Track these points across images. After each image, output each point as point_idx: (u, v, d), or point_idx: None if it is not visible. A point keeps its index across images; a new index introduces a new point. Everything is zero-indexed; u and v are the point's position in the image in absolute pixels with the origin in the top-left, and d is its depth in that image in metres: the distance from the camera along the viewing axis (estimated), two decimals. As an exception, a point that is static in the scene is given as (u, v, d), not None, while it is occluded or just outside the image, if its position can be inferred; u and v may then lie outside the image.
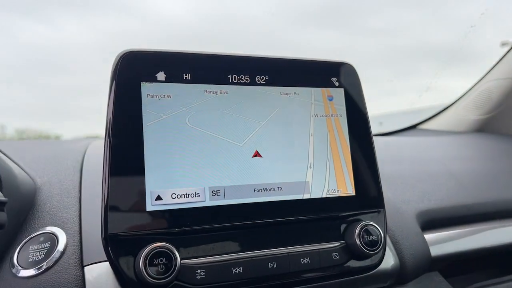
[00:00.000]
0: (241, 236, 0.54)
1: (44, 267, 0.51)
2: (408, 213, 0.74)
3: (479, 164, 1.00)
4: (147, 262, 0.47)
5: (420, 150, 1.07)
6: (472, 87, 1.49)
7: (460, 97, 1.54)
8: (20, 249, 0.53)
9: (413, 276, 0.66)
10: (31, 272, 0.51)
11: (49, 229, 0.55)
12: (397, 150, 1.06)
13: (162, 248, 0.48)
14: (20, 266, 0.51)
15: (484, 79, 1.43)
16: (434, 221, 0.77)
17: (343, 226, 0.59)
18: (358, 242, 0.56)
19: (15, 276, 0.50)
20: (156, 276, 0.46)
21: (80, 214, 0.58)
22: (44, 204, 0.59)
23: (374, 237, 0.57)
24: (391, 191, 0.80)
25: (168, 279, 0.47)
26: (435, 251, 0.72)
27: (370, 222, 0.58)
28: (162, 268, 0.47)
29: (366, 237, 0.57)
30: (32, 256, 0.52)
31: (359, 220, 0.58)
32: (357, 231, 0.57)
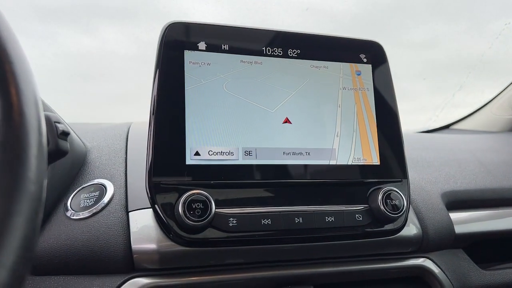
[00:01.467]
0: (270, 192, 0.58)
1: (94, 211, 0.57)
2: (433, 192, 0.76)
3: (510, 156, 1.00)
4: (185, 206, 0.52)
5: (450, 143, 1.08)
6: (507, 86, 1.48)
7: (495, 97, 1.52)
8: (73, 196, 0.59)
9: (436, 247, 0.68)
10: (82, 214, 0.57)
11: (98, 181, 0.62)
12: (428, 142, 1.08)
13: (199, 195, 0.53)
14: (73, 210, 0.57)
15: (519, 78, 1.42)
16: (459, 202, 0.78)
17: (367, 192, 0.62)
18: (381, 205, 0.59)
19: (69, 218, 0.57)
20: (193, 219, 0.51)
21: (126, 170, 0.64)
22: (94, 162, 0.66)
23: (397, 202, 0.60)
24: (417, 173, 0.82)
25: (204, 221, 0.52)
26: (459, 229, 0.73)
27: (393, 188, 0.61)
28: (199, 212, 0.52)
29: (389, 201, 0.60)
30: (84, 203, 0.58)
31: (383, 187, 0.61)
32: (380, 196, 0.60)
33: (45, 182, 0.31)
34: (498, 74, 1.55)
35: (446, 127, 1.65)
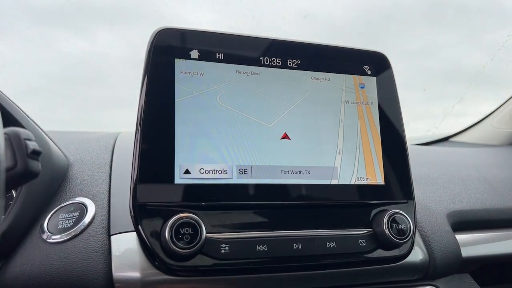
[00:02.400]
0: (267, 215, 0.53)
1: (73, 234, 0.52)
2: (438, 212, 0.72)
3: None
4: (173, 231, 0.47)
5: (452, 157, 1.04)
6: (508, 99, 1.45)
7: (495, 110, 1.49)
8: (51, 216, 0.54)
9: (442, 273, 0.63)
10: (60, 238, 0.52)
11: (79, 199, 0.56)
12: (429, 155, 1.04)
13: (189, 219, 0.48)
14: (50, 232, 0.52)
15: (521, 91, 1.39)
16: (465, 222, 0.74)
17: (371, 214, 0.57)
18: (386, 230, 0.55)
19: (44, 241, 0.51)
20: (181, 245, 0.47)
21: (109, 188, 0.59)
22: (75, 177, 0.60)
23: (403, 226, 0.56)
24: (421, 191, 0.78)
25: (193, 249, 0.47)
26: (466, 252, 0.69)
27: (399, 211, 0.57)
28: (188, 238, 0.47)
29: (394, 225, 0.55)
30: (62, 224, 0.53)
31: (388, 209, 0.57)
32: (385, 219, 0.55)
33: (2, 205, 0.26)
34: (499, 86, 1.52)
35: (446, 139, 1.61)
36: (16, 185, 0.36)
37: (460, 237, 0.70)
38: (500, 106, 1.48)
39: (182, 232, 0.47)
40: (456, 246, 0.67)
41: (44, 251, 0.50)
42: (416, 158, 0.94)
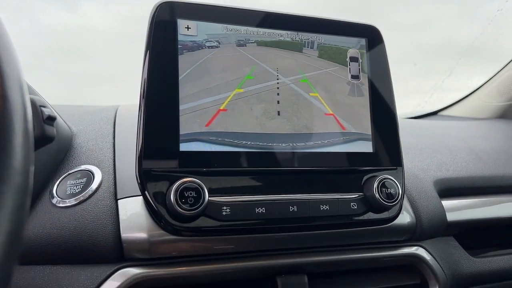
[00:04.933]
0: (264, 180, 0.56)
1: (81, 198, 0.55)
2: (426, 180, 0.76)
3: (500, 143, 1.01)
4: (177, 195, 0.50)
5: (440, 129, 1.08)
6: (496, 73, 1.48)
7: (483, 84, 1.53)
8: (59, 183, 0.57)
9: (428, 235, 0.68)
10: (69, 202, 0.54)
11: (85, 167, 0.59)
12: (418, 127, 1.07)
13: (192, 183, 0.51)
14: (59, 197, 0.55)
15: (509, 65, 1.42)
16: (451, 189, 0.78)
17: (362, 180, 0.61)
18: (376, 194, 0.58)
19: (54, 206, 0.54)
20: (185, 208, 0.50)
21: (114, 156, 0.61)
22: (80, 147, 0.63)
23: (392, 191, 0.59)
24: (409, 160, 0.82)
25: (196, 211, 0.50)
26: (451, 216, 0.73)
27: (389, 176, 0.60)
28: (191, 200, 0.50)
29: (384, 190, 0.59)
30: (70, 190, 0.56)
31: (378, 175, 0.60)
32: (375, 184, 0.59)
33: (32, 172, 0.29)
34: (489, 61, 1.55)
35: (434, 113, 1.65)
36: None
37: (446, 203, 0.74)
38: (489, 80, 1.51)
39: (186, 195, 0.50)
40: (442, 210, 0.71)
41: (55, 214, 0.53)
42: (405, 130, 0.98)
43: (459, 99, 1.61)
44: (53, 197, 0.55)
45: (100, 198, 0.55)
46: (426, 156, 0.85)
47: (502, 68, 1.46)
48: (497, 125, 1.24)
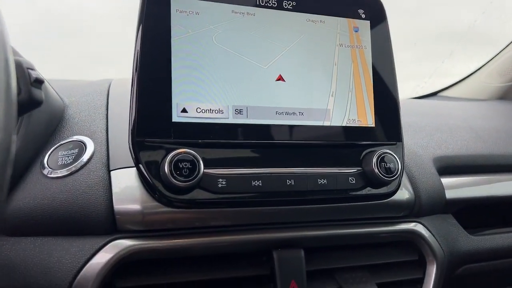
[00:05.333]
0: (261, 153, 0.55)
1: (73, 169, 0.53)
2: (425, 157, 0.75)
3: (500, 123, 0.99)
4: (172, 166, 0.48)
5: (440, 108, 1.07)
6: (497, 54, 1.46)
7: (483, 65, 1.51)
8: (50, 154, 0.55)
9: (427, 212, 0.67)
10: (60, 173, 0.53)
11: (77, 137, 0.57)
12: (417, 106, 1.06)
13: (187, 155, 0.49)
14: (50, 168, 0.54)
15: (510, 46, 1.40)
16: (450, 167, 0.77)
17: (361, 154, 0.60)
18: (375, 168, 0.57)
19: (45, 176, 0.53)
20: (180, 179, 0.48)
21: (107, 128, 0.60)
22: (72, 118, 0.61)
23: (391, 165, 0.58)
24: (409, 137, 0.80)
25: (191, 182, 0.49)
26: (450, 194, 0.72)
27: (388, 150, 0.59)
28: (186, 172, 0.49)
29: (383, 164, 0.58)
30: (61, 160, 0.54)
31: (377, 150, 0.59)
32: (374, 158, 0.58)
33: (14, 133, 0.27)
34: (489, 44, 1.53)
35: (434, 94, 1.63)
36: (20, 113, 0.37)
37: (445, 180, 0.73)
38: (489, 61, 1.49)
39: (180, 166, 0.49)
40: (441, 187, 0.71)
41: (46, 185, 0.52)
42: (404, 109, 0.96)
43: (459, 80, 1.59)
44: (44, 167, 0.54)
45: (92, 169, 0.54)
46: (426, 134, 0.84)
47: (503, 49, 1.44)
48: (497, 106, 1.23)
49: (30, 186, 0.52)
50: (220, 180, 0.52)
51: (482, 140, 0.86)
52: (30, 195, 0.51)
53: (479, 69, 1.53)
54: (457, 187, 0.76)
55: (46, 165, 0.54)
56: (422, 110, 1.01)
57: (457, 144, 0.82)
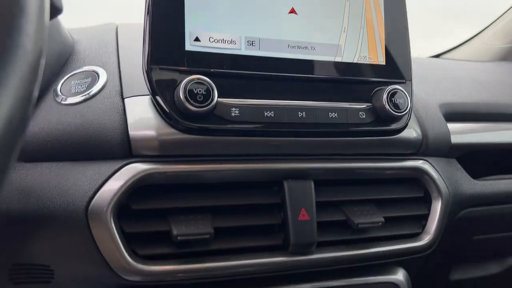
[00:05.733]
0: (273, 86, 0.55)
1: (86, 96, 0.53)
2: (431, 102, 0.75)
3: (504, 78, 1.00)
4: (187, 91, 0.49)
5: (445, 63, 1.07)
6: (501, 16, 1.46)
7: (487, 27, 1.50)
8: (63, 83, 0.55)
9: (433, 153, 0.68)
10: (74, 99, 0.53)
11: (90, 67, 0.57)
12: (421, 62, 1.06)
13: (201, 81, 0.50)
14: (64, 95, 0.54)
15: (515, 6, 1.39)
16: (455, 114, 0.78)
17: (371, 91, 0.60)
18: (385, 103, 0.58)
19: (59, 103, 0.53)
20: (195, 104, 0.49)
21: (118, 60, 0.59)
22: (83, 51, 0.61)
23: (401, 101, 0.59)
24: (415, 85, 0.80)
25: (206, 108, 0.49)
26: (455, 139, 0.73)
27: (398, 86, 0.59)
28: (201, 98, 0.49)
29: (393, 99, 0.58)
30: (75, 88, 0.54)
31: (387, 86, 0.59)
32: (385, 94, 0.58)
33: (46, 46, 0.27)
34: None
35: (436, 56, 1.63)
36: None
37: (450, 126, 0.74)
38: (492, 22, 1.48)
39: (195, 92, 0.49)
40: (447, 130, 0.71)
41: (60, 111, 0.52)
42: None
43: (461, 42, 1.59)
44: (57, 95, 0.54)
45: (106, 96, 0.54)
46: (431, 82, 0.84)
47: (507, 11, 1.43)
48: (501, 65, 1.23)
49: (44, 113, 0.52)
50: (233, 109, 0.52)
51: (487, 90, 0.87)
52: (44, 121, 0.52)
53: (482, 30, 1.52)
54: (462, 132, 0.77)
55: (59, 92, 0.54)
56: (426, 64, 1.01)
57: (462, 93, 0.83)
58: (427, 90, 0.80)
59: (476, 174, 0.78)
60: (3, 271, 0.52)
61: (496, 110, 0.83)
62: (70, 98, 0.53)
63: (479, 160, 0.81)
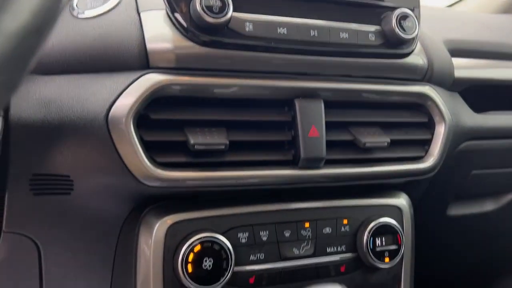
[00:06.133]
0: (287, 3, 0.57)
1: (103, 10, 0.54)
2: (437, 38, 0.77)
3: (509, 24, 1.01)
4: (203, 1, 0.50)
5: (447, 10, 1.07)
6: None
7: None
8: None
9: (437, 82, 0.70)
10: (91, 13, 0.54)
11: None
12: (427, 10, 1.06)
13: None
14: (80, 9, 0.54)
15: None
16: (459, 50, 0.79)
17: (381, 15, 0.61)
18: (395, 27, 0.59)
19: (75, 17, 0.54)
20: (211, 14, 0.50)
21: None
22: None
23: (409, 24, 0.60)
24: (421, 23, 0.82)
25: (222, 19, 0.50)
26: (458, 73, 0.75)
27: (407, 10, 0.60)
28: (216, 9, 0.50)
29: (402, 22, 0.60)
30: (91, 4, 0.55)
31: (397, 10, 0.60)
32: (394, 18, 0.60)
33: None
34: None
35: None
36: None
37: (454, 61, 0.76)
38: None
39: (211, 3, 0.50)
40: (451, 63, 0.73)
41: (77, 25, 0.53)
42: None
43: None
44: (73, 9, 0.55)
45: (122, 10, 0.55)
46: (436, 21, 0.85)
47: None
48: (505, 16, 1.24)
49: (61, 26, 0.53)
50: (247, 24, 0.54)
51: (490, 30, 0.88)
52: (61, 34, 0.52)
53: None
54: (465, 67, 0.79)
55: (75, 6, 0.55)
56: (433, 10, 1.01)
57: (466, 31, 0.85)
58: (432, 27, 0.80)
59: (477, 109, 0.81)
60: (24, 182, 0.54)
61: (500, 49, 0.84)
62: (86, 11, 0.54)
63: (481, 96, 0.83)
